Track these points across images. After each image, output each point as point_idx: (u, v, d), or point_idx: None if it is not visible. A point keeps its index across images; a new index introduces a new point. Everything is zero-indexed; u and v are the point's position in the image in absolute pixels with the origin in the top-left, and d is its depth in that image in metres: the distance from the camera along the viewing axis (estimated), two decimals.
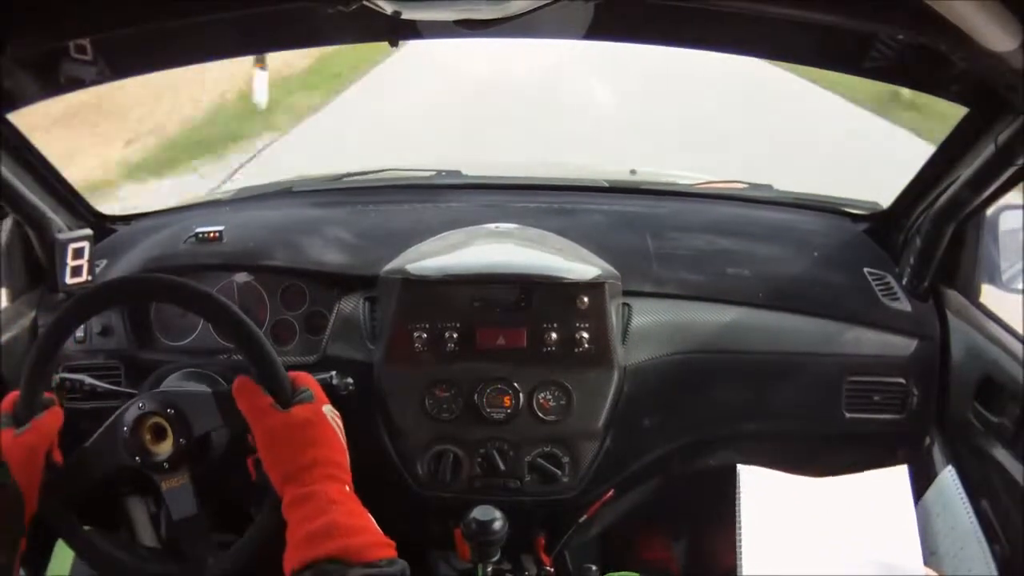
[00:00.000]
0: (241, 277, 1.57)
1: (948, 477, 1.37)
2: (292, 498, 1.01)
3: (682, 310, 1.52)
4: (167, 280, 1.15)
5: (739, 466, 1.39)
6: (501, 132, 6.97)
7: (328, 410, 1.09)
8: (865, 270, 1.59)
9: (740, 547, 1.31)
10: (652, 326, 1.50)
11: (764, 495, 1.37)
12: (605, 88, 8.99)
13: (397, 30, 1.20)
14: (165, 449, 1.13)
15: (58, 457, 1.14)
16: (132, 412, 1.14)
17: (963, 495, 1.34)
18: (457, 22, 1.17)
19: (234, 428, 1.13)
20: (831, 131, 7.49)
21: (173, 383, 1.36)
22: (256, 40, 1.48)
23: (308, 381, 1.11)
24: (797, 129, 7.45)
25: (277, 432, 1.04)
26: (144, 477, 1.15)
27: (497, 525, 1.29)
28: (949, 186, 1.43)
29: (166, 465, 1.13)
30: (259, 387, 1.07)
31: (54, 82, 1.32)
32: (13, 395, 1.14)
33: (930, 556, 1.33)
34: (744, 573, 1.28)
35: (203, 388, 1.16)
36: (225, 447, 1.19)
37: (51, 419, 1.13)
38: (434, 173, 1.97)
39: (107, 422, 1.17)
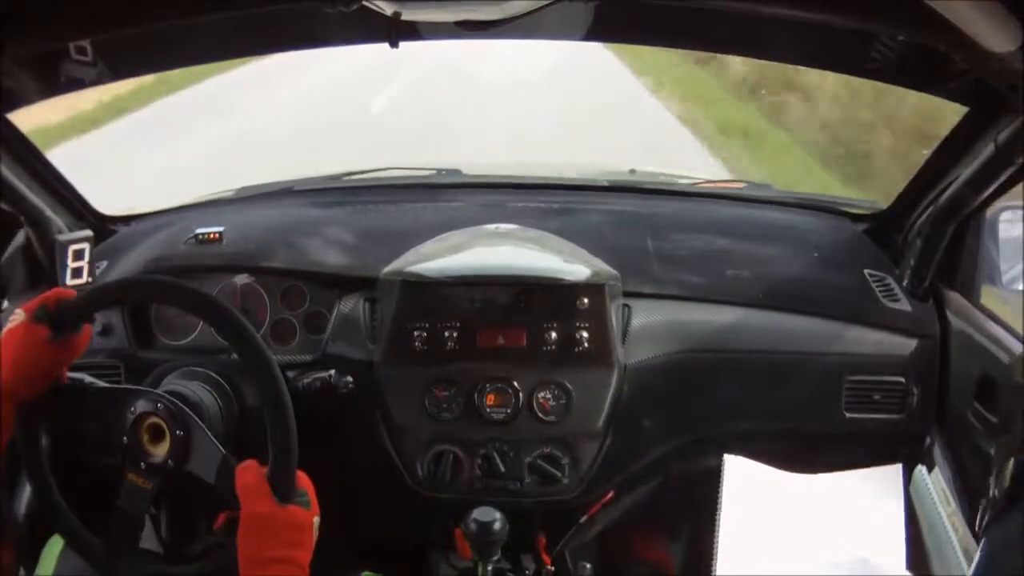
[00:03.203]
0: (242, 278, 1.56)
1: (919, 477, 1.38)
2: None
3: (682, 310, 1.52)
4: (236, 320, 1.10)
5: (726, 456, 1.40)
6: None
7: (316, 522, 1.06)
8: (865, 271, 1.59)
9: (717, 536, 1.31)
10: (652, 326, 1.50)
11: (748, 486, 1.38)
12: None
13: (397, 31, 1.20)
14: (154, 452, 1.12)
15: (65, 378, 1.14)
16: (145, 404, 1.13)
17: (933, 495, 1.35)
18: (457, 23, 1.18)
19: (219, 494, 1.09)
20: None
21: (173, 382, 1.36)
22: (256, 41, 1.47)
23: (308, 484, 1.08)
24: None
25: (265, 520, 1.02)
26: None
27: (497, 526, 1.29)
28: (949, 186, 1.43)
29: (143, 465, 1.12)
30: (263, 472, 1.04)
31: (54, 82, 1.32)
32: (59, 294, 1.11)
33: (916, 556, 1.34)
34: (719, 563, 1.29)
35: (218, 442, 1.12)
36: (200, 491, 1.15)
37: (84, 339, 1.13)
38: (434, 172, 1.97)
39: (122, 389, 1.18)
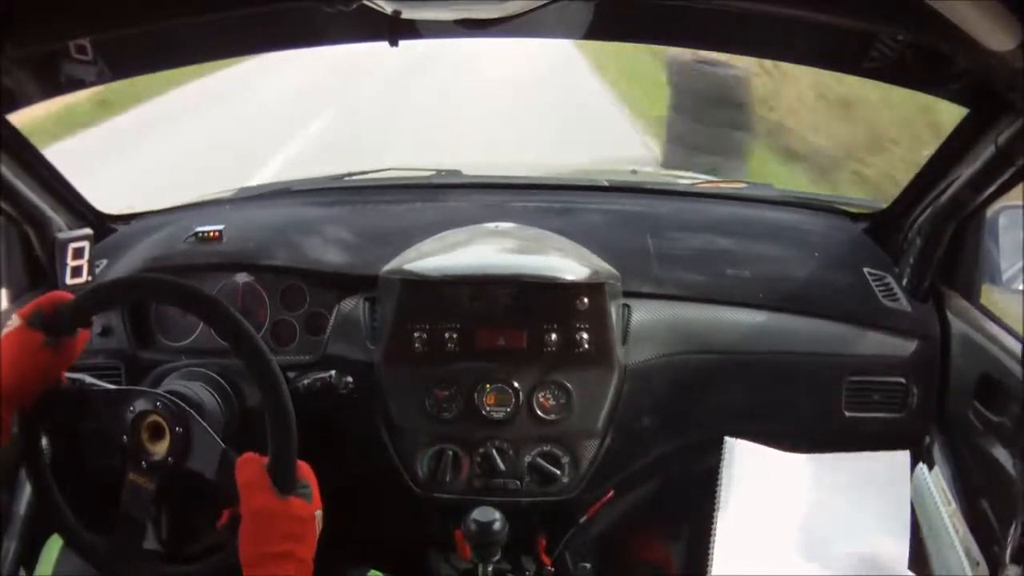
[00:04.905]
0: (241, 277, 1.56)
1: (919, 476, 1.38)
2: None
3: (682, 310, 1.52)
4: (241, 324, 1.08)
5: (726, 438, 1.40)
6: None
7: (319, 515, 1.05)
8: (865, 270, 1.59)
9: (713, 535, 1.31)
10: (652, 326, 1.50)
11: (750, 468, 1.37)
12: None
13: (397, 30, 1.20)
14: (154, 451, 1.12)
15: (63, 381, 1.13)
16: (144, 403, 1.12)
17: (933, 494, 1.35)
18: (457, 22, 1.18)
19: (220, 489, 1.09)
20: None
21: (172, 382, 1.36)
22: (256, 40, 1.48)
23: (310, 475, 1.07)
24: None
25: (265, 515, 1.01)
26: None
27: (497, 526, 1.29)
28: (949, 186, 1.42)
29: (144, 464, 1.12)
30: (263, 463, 1.03)
31: (54, 82, 1.32)
32: (55, 298, 1.10)
33: (916, 556, 1.34)
34: (715, 563, 1.28)
35: (218, 438, 1.12)
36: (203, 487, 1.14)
37: (81, 342, 1.12)
38: (434, 173, 1.97)
39: (121, 389, 1.17)
